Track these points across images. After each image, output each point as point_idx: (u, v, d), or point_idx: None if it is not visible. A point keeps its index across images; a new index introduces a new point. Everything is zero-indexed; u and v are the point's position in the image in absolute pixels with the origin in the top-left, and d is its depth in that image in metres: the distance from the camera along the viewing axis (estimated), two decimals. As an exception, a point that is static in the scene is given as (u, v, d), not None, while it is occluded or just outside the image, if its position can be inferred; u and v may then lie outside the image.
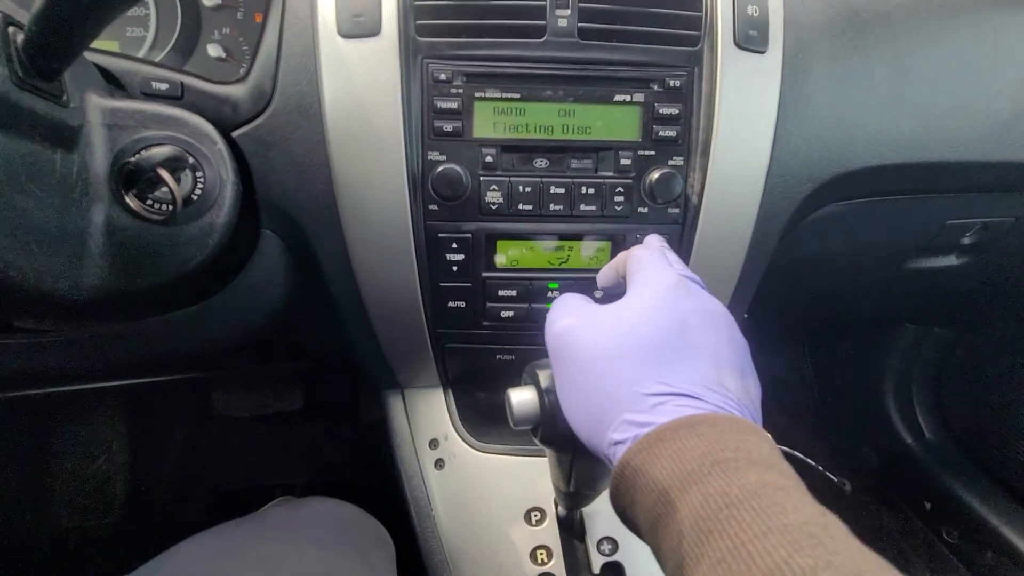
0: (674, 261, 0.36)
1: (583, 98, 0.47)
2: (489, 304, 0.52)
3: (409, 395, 0.62)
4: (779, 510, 0.22)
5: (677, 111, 0.47)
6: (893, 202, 0.58)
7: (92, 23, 0.30)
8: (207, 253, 0.40)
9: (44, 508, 0.95)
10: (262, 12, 0.50)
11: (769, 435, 0.27)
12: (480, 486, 0.57)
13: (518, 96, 0.46)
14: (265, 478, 1.08)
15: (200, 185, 0.40)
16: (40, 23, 0.28)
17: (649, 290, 0.33)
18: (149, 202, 0.38)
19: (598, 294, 0.42)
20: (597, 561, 0.53)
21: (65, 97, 0.34)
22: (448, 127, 0.46)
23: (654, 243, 0.40)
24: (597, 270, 0.43)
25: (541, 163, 0.48)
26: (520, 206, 0.48)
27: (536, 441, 0.38)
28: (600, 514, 0.54)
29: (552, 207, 0.48)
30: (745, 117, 0.48)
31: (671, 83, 0.47)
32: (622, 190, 0.48)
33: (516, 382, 0.39)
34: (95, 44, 0.33)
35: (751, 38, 0.47)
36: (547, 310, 0.51)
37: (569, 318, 0.33)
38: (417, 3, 0.44)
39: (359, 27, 0.44)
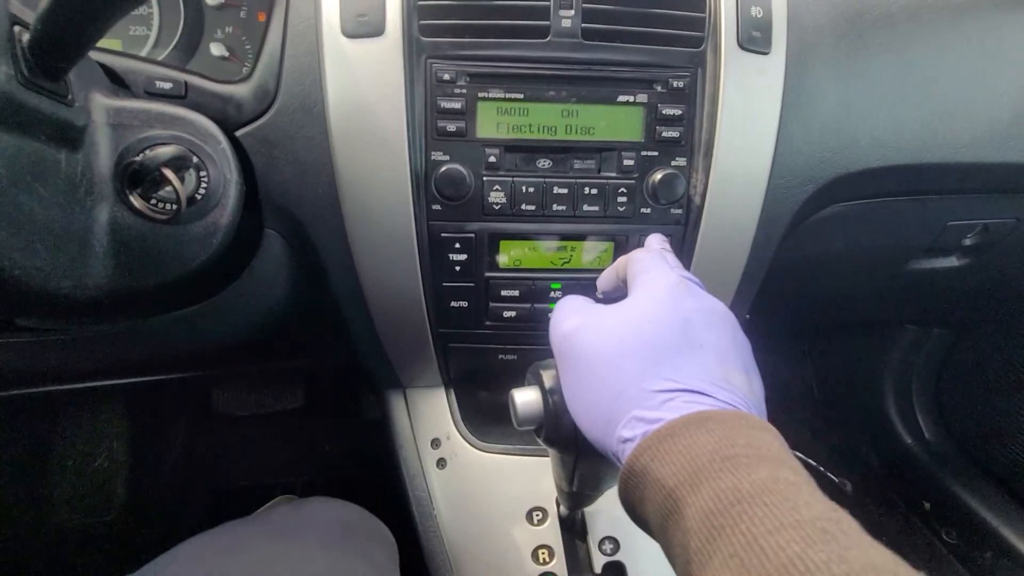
0: (674, 263, 0.37)
1: (586, 98, 0.47)
2: (492, 304, 0.52)
3: (411, 394, 0.62)
4: (791, 506, 0.22)
5: (680, 112, 0.47)
6: (895, 203, 0.58)
7: (98, 22, 0.30)
8: (211, 253, 0.40)
9: (44, 506, 0.95)
10: (265, 11, 0.50)
11: (777, 431, 0.27)
12: (482, 486, 0.57)
13: (521, 96, 0.46)
14: (265, 476, 1.08)
15: (204, 185, 0.40)
16: (46, 22, 0.28)
17: (652, 290, 0.33)
18: (153, 201, 0.38)
19: (599, 296, 0.42)
20: (599, 561, 0.53)
21: (70, 96, 0.34)
22: (451, 127, 0.46)
23: (654, 245, 0.40)
24: (599, 270, 0.43)
25: (544, 163, 0.48)
26: (523, 206, 0.48)
27: (540, 441, 0.38)
28: (602, 514, 0.54)
29: (555, 207, 0.48)
30: (748, 118, 0.48)
31: (674, 84, 0.47)
32: (625, 191, 0.48)
33: (518, 382, 0.39)
34: (98, 43, 0.33)
35: (754, 39, 0.47)
36: (550, 310, 0.52)
37: (574, 319, 0.34)
38: (421, 3, 0.44)
39: (363, 27, 0.44)
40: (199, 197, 0.40)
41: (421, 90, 0.45)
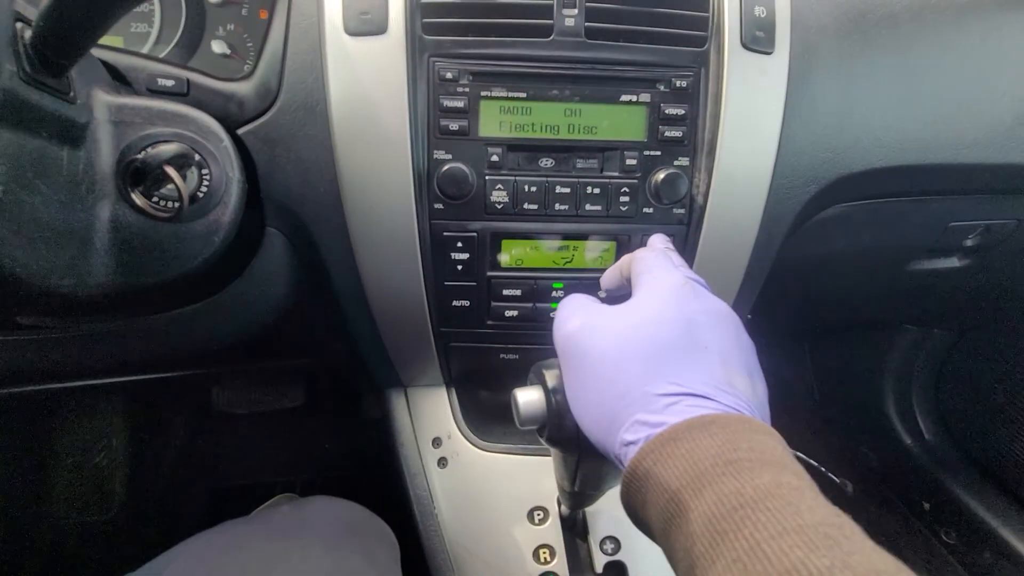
0: (678, 263, 0.36)
1: (589, 98, 0.47)
2: (493, 303, 0.52)
3: (412, 393, 0.62)
4: (794, 511, 0.22)
5: (683, 111, 0.47)
6: (897, 204, 0.58)
7: (100, 19, 0.29)
8: (212, 251, 0.40)
9: (44, 503, 0.95)
10: (267, 9, 0.50)
11: (780, 435, 0.27)
12: (483, 485, 0.57)
13: (524, 95, 0.46)
14: (265, 475, 1.08)
15: (206, 183, 0.40)
16: (49, 19, 0.28)
17: (656, 291, 0.33)
18: (155, 199, 0.38)
19: (602, 295, 0.42)
20: (600, 560, 0.53)
21: (72, 93, 0.33)
22: (454, 126, 0.46)
23: (658, 244, 0.40)
24: (602, 270, 0.43)
25: (547, 163, 0.48)
26: (525, 205, 0.48)
27: (542, 441, 0.38)
28: (603, 513, 0.54)
29: (557, 207, 0.48)
30: (751, 118, 0.48)
31: (677, 83, 0.47)
32: (628, 190, 0.48)
33: (520, 381, 0.39)
34: (100, 40, 0.33)
35: (758, 39, 0.47)
36: (551, 310, 0.51)
37: (578, 319, 0.33)
38: (424, 1, 0.44)
39: (366, 25, 0.44)
40: (201, 195, 0.39)
41: (424, 88, 0.45)
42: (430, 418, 0.61)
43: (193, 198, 0.39)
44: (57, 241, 0.33)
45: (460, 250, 0.49)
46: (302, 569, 0.43)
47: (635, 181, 0.48)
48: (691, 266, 0.51)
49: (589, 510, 0.54)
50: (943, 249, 0.67)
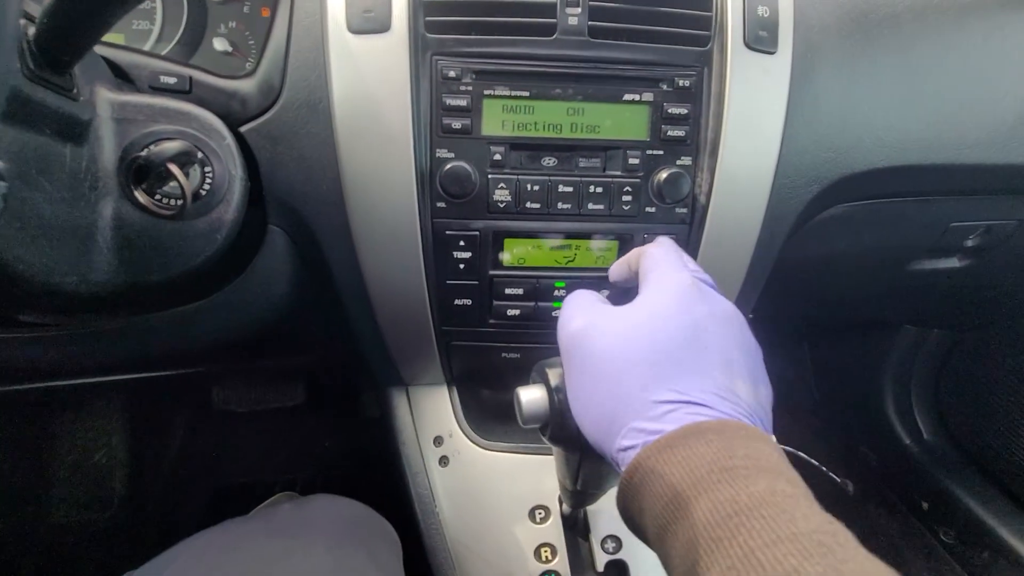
0: (688, 261, 0.36)
1: (592, 97, 0.47)
2: (496, 302, 0.52)
3: (413, 392, 0.62)
4: (788, 518, 0.22)
5: (686, 111, 0.47)
6: (898, 204, 0.58)
7: (104, 16, 0.29)
8: (215, 249, 0.40)
9: (43, 502, 0.95)
10: (269, 6, 0.50)
11: (776, 442, 0.27)
12: (484, 484, 0.57)
13: (527, 94, 0.46)
14: (266, 474, 1.08)
15: (209, 180, 0.40)
16: (52, 16, 0.28)
17: (663, 292, 0.33)
18: (158, 197, 0.38)
19: (605, 292, 0.42)
20: (601, 559, 0.53)
21: (75, 90, 0.33)
22: (457, 124, 0.46)
23: (667, 243, 0.40)
24: (604, 269, 0.43)
25: (549, 161, 0.48)
26: (528, 204, 0.48)
27: (545, 439, 0.38)
28: (604, 512, 0.54)
29: (560, 206, 0.48)
30: (754, 117, 0.48)
31: (680, 83, 0.47)
32: (630, 189, 0.48)
33: (521, 380, 0.39)
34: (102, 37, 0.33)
35: (761, 39, 0.47)
36: (554, 309, 0.51)
37: (583, 319, 0.33)
38: None
39: (369, 23, 0.44)
40: (204, 193, 0.39)
41: (427, 87, 0.45)
42: (431, 417, 0.61)
43: (196, 196, 0.39)
44: (60, 238, 0.33)
45: (462, 249, 0.49)
46: (304, 567, 0.43)
47: (638, 180, 0.48)
48: (693, 266, 0.51)
49: (590, 509, 0.54)
50: (944, 249, 0.67)
